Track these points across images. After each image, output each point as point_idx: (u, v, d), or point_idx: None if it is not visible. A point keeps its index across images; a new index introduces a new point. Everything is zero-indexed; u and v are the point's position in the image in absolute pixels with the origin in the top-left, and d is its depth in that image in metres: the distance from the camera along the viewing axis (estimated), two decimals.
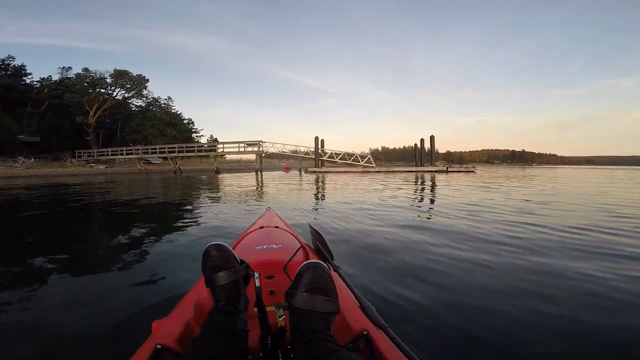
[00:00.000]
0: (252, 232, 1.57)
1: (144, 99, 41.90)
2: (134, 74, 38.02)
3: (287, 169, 28.87)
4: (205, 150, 25.34)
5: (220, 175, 20.27)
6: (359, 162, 23.49)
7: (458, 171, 22.31)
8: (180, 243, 2.84)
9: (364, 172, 21.61)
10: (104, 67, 36.21)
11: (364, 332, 0.75)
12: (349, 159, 23.64)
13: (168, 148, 26.73)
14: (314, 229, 1.49)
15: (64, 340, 1.30)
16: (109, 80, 35.75)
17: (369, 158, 23.42)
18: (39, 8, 59.78)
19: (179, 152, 26.21)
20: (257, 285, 0.80)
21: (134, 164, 30.13)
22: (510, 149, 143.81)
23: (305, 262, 0.80)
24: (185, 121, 47.61)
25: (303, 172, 22.57)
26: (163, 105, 46.49)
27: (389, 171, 22.08)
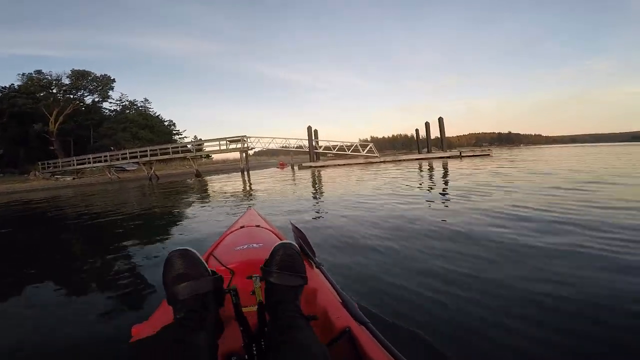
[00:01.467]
0: (232, 232, 1.52)
1: (118, 101, 39.31)
2: (98, 74, 34.32)
3: (282, 165, 25.85)
4: (183, 151, 21.98)
5: (200, 179, 17.23)
6: (360, 152, 20.56)
7: (473, 155, 19.70)
8: (158, 250, 2.85)
9: (366, 163, 18.73)
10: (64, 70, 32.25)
11: (346, 329, 0.75)
12: (348, 150, 20.67)
13: (140, 152, 23.37)
14: (296, 227, 1.46)
15: (44, 347, 1.31)
16: (66, 82, 31.91)
17: (370, 147, 20.50)
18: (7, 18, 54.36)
19: (151, 155, 22.86)
20: (234, 302, 0.75)
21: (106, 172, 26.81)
22: (496, 132, 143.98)
23: (278, 243, 0.87)
24: (165, 123, 44.15)
25: (296, 168, 19.53)
26: (140, 107, 42.87)
27: (395, 160, 19.24)
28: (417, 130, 25.70)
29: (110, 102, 39.71)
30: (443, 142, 20.63)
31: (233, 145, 20.71)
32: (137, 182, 20.85)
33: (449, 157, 19.37)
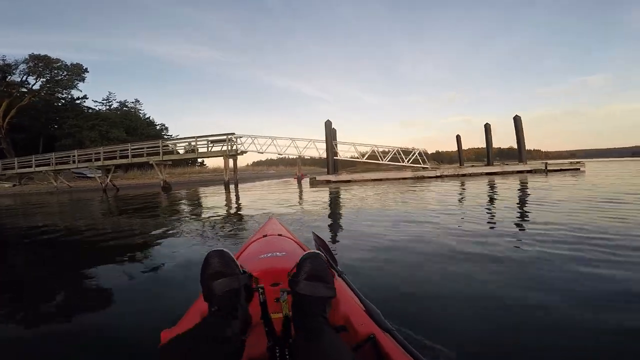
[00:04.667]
0: (255, 241, 1.52)
1: (104, 101, 35.05)
2: (68, 63, 28.49)
3: (302, 177, 18.69)
4: (148, 154, 15.70)
5: (168, 194, 11.65)
6: (400, 161, 14.40)
7: (561, 170, 13.67)
8: (188, 254, 2.71)
9: (415, 178, 12.61)
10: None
11: (371, 336, 0.75)
12: (384, 158, 14.45)
13: (94, 154, 17.20)
14: (318, 236, 1.47)
15: (74, 351, 1.30)
16: (22, 67, 26.00)
17: (417, 155, 14.31)
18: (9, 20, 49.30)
19: (106, 157, 16.66)
20: (261, 300, 0.79)
21: (69, 179, 20.69)
22: (497, 147, 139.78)
23: (306, 253, 0.86)
24: (157, 126, 38.49)
25: (307, 183, 13.36)
26: (130, 109, 37.75)
27: (457, 175, 13.14)
28: (458, 137, 19.50)
29: (96, 102, 35.32)
30: (521, 152, 14.47)
31: (218, 148, 14.58)
32: (90, 193, 16.19)
33: (529, 172, 13.39)
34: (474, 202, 5.48)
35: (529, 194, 6.36)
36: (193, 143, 14.99)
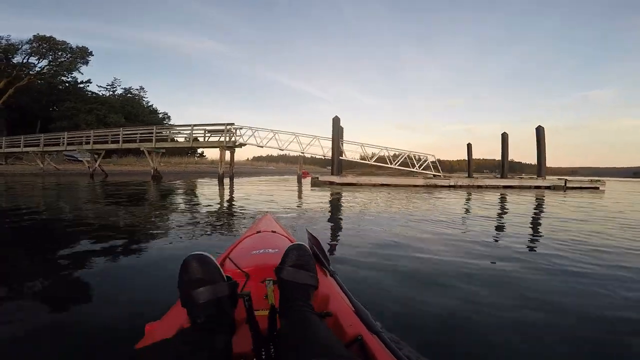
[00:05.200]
0: (249, 236, 1.48)
1: (109, 86, 34.84)
2: (73, 45, 27.59)
3: (305, 175, 18.48)
4: (141, 140, 14.66)
5: (158, 184, 11.28)
6: (410, 167, 13.36)
7: (580, 187, 12.75)
8: (177, 247, 2.56)
9: (427, 186, 11.60)
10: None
11: (358, 337, 0.74)
12: (395, 162, 13.36)
13: (85, 137, 16.23)
14: (311, 234, 1.39)
15: (55, 344, 1.20)
16: (26, 48, 25.12)
17: (428, 163, 13.26)
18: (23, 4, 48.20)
19: (96, 142, 15.72)
20: (247, 306, 0.75)
21: (59, 161, 19.90)
22: (497, 159, 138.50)
23: (292, 244, 0.90)
24: (159, 115, 37.87)
25: (308, 184, 12.38)
26: (135, 96, 37.37)
27: (472, 185, 12.16)
28: (469, 146, 18.44)
29: (100, 87, 34.99)
30: (541, 166, 13.38)
31: (215, 138, 13.58)
32: (76, 177, 15.29)
33: (547, 188, 12.38)
34: (514, 226, 4.50)
35: (568, 217, 5.40)
36: (189, 132, 13.96)
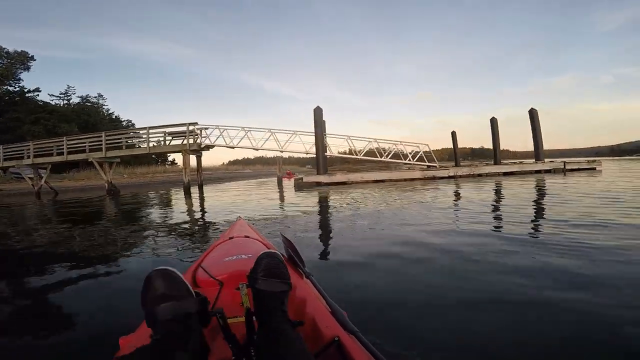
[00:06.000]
0: (221, 243, 1.45)
1: (62, 95, 31.45)
2: (10, 49, 24.52)
3: (290, 175, 17.99)
4: (91, 149, 12.50)
5: (113, 198, 9.99)
6: (402, 159, 12.11)
7: (579, 169, 12.10)
8: (150, 260, 2.55)
9: (425, 178, 10.41)
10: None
11: (335, 338, 0.73)
12: (386, 155, 12.03)
13: (25, 150, 13.86)
14: (286, 238, 1.39)
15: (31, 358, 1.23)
16: None
17: (423, 153, 12.07)
18: None
19: (37, 154, 13.43)
20: (221, 324, 0.71)
21: (3, 180, 17.06)
22: (469, 147, 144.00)
23: (263, 252, 0.87)
24: (123, 123, 34.84)
25: (290, 187, 10.92)
26: (93, 104, 34.20)
27: (472, 174, 11.12)
28: (453, 134, 17.70)
29: (52, 96, 31.29)
30: (539, 149, 12.51)
31: (178, 141, 11.76)
32: (21, 197, 13.35)
33: (548, 171, 11.61)
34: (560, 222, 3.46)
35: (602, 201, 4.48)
36: (146, 136, 12.02)
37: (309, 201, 6.30)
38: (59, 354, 1.22)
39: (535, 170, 11.61)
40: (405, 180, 10.41)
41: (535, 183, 7.84)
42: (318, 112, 11.17)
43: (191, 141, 11.22)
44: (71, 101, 32.74)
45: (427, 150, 12.20)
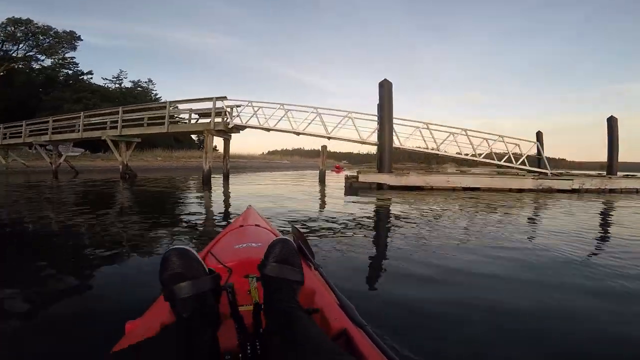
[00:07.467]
0: (231, 230, 1.45)
1: (114, 79, 31.89)
2: (59, 30, 24.48)
3: (338, 169, 17.95)
4: (112, 126, 10.81)
5: (130, 182, 8.99)
6: (495, 160, 8.90)
7: None
8: (156, 244, 2.60)
9: (538, 190, 7.30)
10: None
11: (343, 330, 0.73)
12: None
13: (32, 126, 12.70)
14: (296, 228, 1.39)
15: (33, 341, 1.20)
16: None
17: (524, 158, 8.75)
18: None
19: (55, 131, 12.09)
20: (230, 299, 0.74)
21: (39, 156, 16.45)
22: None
23: (276, 238, 0.84)
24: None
25: (336, 185, 8.36)
26: (144, 89, 34.40)
27: (605, 190, 7.80)
28: (539, 134, 13.53)
29: (105, 79, 31.85)
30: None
31: (203, 120, 9.63)
32: (44, 175, 12.24)
33: None
34: None
35: None
36: (174, 112, 10.00)
37: (365, 210, 3.70)
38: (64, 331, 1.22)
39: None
40: (510, 190, 7.39)
41: None
42: (387, 87, 8.02)
43: (217, 120, 8.96)
44: (122, 85, 33.23)
45: (541, 151, 8.76)
